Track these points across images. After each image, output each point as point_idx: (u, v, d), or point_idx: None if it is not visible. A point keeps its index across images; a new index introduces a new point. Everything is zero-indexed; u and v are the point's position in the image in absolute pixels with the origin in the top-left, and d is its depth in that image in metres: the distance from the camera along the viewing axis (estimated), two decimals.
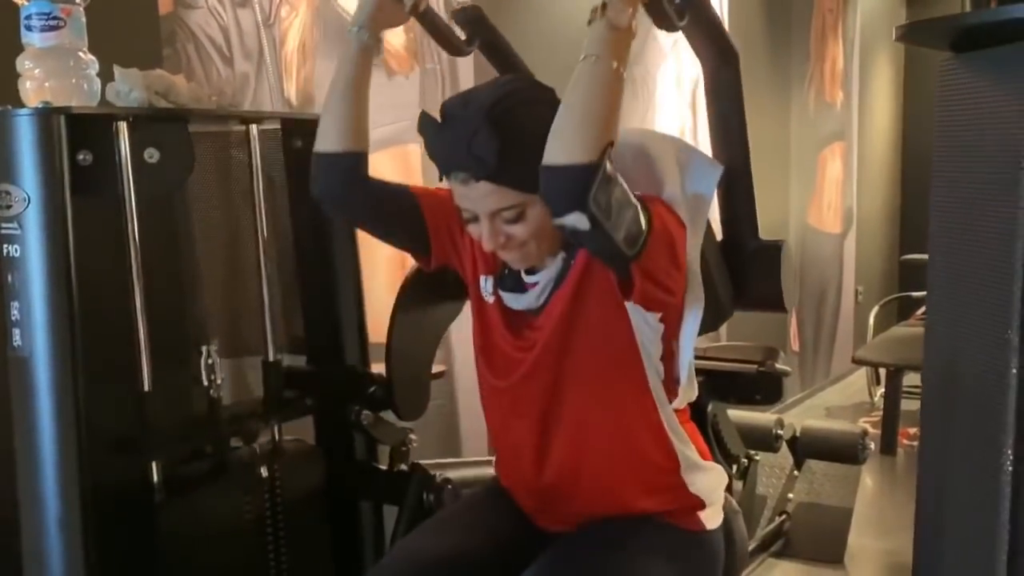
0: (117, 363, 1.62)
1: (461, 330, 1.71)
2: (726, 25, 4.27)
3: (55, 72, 1.57)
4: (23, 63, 1.58)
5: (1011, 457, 1.43)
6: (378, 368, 1.96)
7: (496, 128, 1.34)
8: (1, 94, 1.58)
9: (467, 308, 1.69)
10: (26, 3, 1.55)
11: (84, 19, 1.59)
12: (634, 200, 1.35)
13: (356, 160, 1.55)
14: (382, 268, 2.52)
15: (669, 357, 1.54)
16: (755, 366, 2.35)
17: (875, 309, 5.47)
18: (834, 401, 5.46)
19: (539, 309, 1.53)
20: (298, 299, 2.01)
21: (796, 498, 3.04)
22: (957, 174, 1.59)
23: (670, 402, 1.55)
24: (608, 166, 1.27)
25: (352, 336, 2.01)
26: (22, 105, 1.55)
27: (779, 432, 2.71)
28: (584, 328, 1.49)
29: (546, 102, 1.37)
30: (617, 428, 1.52)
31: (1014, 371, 1.42)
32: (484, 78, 1.94)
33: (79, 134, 1.52)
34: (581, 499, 1.56)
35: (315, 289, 2.01)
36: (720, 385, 2.26)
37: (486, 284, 1.59)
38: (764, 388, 2.37)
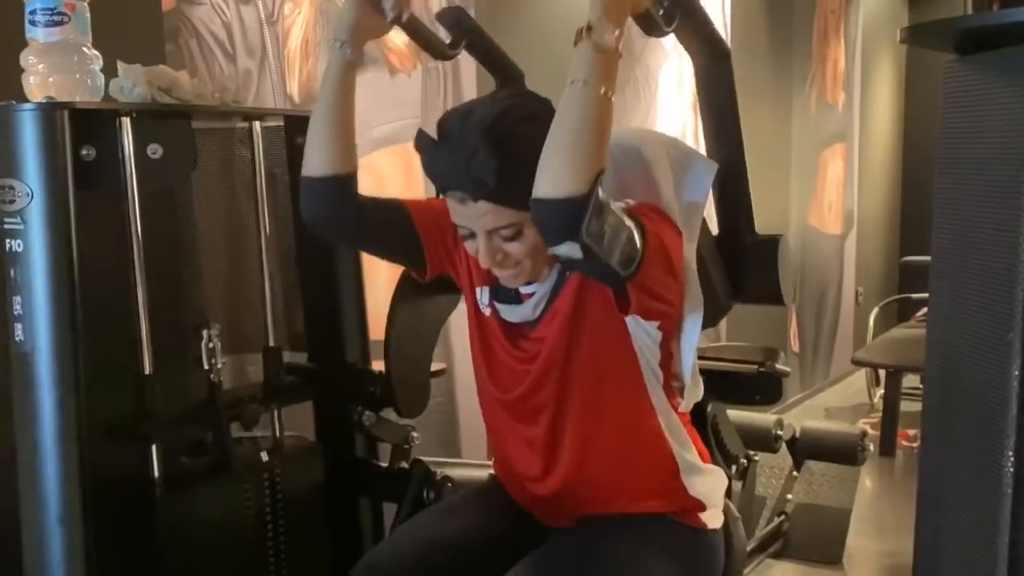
0: (119, 359, 1.62)
1: (460, 328, 1.71)
2: (727, 26, 4.30)
3: (59, 67, 1.57)
4: (27, 58, 1.58)
5: (1012, 459, 1.43)
6: (379, 365, 1.96)
7: (495, 148, 1.32)
8: (5, 89, 1.58)
9: (462, 305, 1.69)
10: None
11: (88, 15, 1.59)
12: (628, 222, 1.32)
13: (344, 183, 1.51)
14: (383, 265, 2.51)
15: (668, 362, 1.54)
16: (755, 366, 2.36)
17: (875, 310, 5.47)
18: (833, 402, 5.46)
19: (535, 321, 1.52)
20: (299, 295, 2.02)
21: (795, 499, 3.05)
22: (960, 176, 1.59)
23: (672, 406, 1.55)
24: (600, 194, 1.24)
25: (353, 333, 2.01)
26: (26, 100, 1.56)
27: (778, 433, 2.71)
28: (582, 339, 1.48)
29: (545, 117, 1.31)
30: (616, 434, 1.52)
31: (1016, 373, 1.42)
32: (485, 75, 1.94)
33: (82, 129, 1.52)
34: (581, 502, 1.56)
35: (316, 286, 2.01)
36: (720, 385, 2.25)
37: (482, 296, 1.59)
38: (764, 388, 2.37)
